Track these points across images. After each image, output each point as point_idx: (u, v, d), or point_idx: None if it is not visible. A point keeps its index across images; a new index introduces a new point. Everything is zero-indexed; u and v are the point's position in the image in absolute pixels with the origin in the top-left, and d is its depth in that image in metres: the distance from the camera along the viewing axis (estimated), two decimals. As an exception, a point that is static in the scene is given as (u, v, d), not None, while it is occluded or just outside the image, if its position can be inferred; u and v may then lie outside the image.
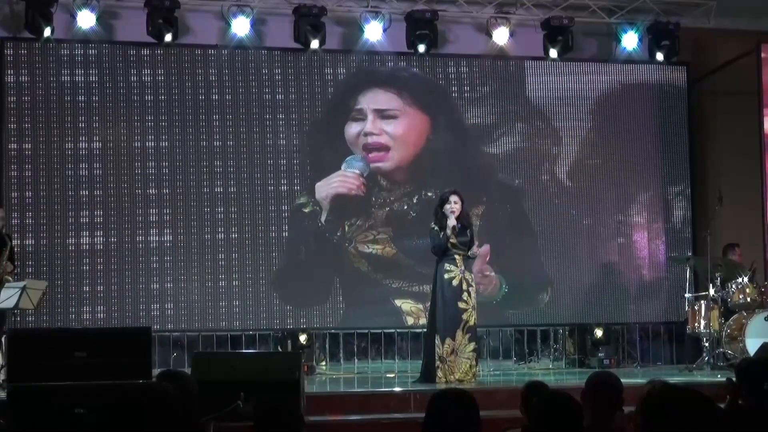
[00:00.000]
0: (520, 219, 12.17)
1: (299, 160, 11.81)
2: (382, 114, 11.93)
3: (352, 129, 11.85)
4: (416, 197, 11.87)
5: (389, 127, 11.94)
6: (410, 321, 11.78)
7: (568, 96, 12.46)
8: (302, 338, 11.09)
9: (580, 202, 12.41)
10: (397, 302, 11.81)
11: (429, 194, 11.76)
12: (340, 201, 11.73)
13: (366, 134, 11.83)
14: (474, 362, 9.37)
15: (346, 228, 11.75)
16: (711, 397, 3.39)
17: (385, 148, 11.89)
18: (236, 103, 11.72)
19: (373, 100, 11.93)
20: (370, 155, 11.83)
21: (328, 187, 11.74)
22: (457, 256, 9.35)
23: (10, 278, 9.43)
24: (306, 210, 11.72)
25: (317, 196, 11.70)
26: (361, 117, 11.88)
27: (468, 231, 9.45)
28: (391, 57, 12.12)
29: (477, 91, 12.30)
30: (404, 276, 11.79)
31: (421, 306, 11.68)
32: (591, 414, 4.54)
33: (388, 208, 11.86)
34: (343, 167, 11.77)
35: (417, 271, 11.60)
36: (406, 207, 11.88)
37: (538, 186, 12.34)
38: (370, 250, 11.79)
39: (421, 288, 11.59)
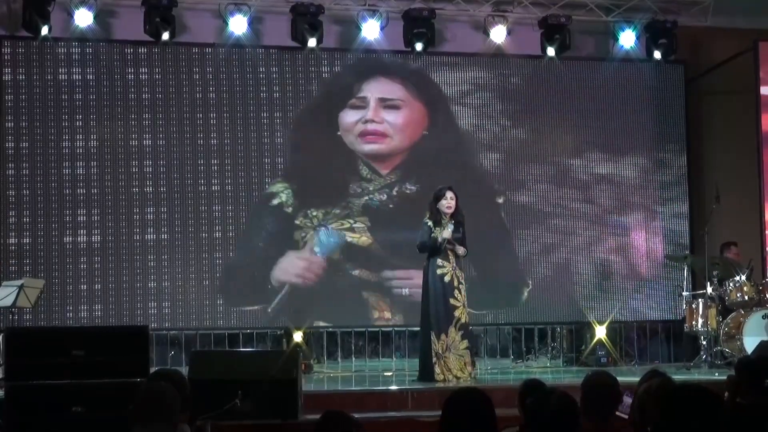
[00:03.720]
0: (497, 220, 12.13)
1: (284, 148, 11.74)
2: (386, 103, 11.93)
3: (350, 116, 11.84)
4: (396, 189, 11.84)
5: (390, 116, 11.93)
6: (375, 315, 11.72)
7: (565, 94, 12.46)
8: (297, 336, 11.06)
9: (577, 200, 12.39)
10: (365, 294, 11.73)
11: (411, 188, 11.79)
12: (288, 296, 11.50)
13: (366, 121, 11.82)
14: (468, 359, 9.34)
15: (321, 215, 11.68)
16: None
17: (383, 136, 11.88)
18: (233, 101, 11.71)
19: (377, 88, 11.93)
20: (366, 138, 11.81)
21: (286, 272, 11.55)
22: (450, 253, 9.33)
23: None
24: (274, 202, 11.63)
25: (273, 277, 11.49)
26: (362, 105, 11.87)
27: (461, 228, 9.42)
28: (388, 55, 12.09)
29: (473, 90, 12.25)
30: (375, 268, 11.73)
31: (388, 300, 11.70)
32: (590, 414, 4.54)
33: (366, 198, 11.80)
34: (314, 242, 11.63)
35: (390, 264, 11.64)
36: (385, 197, 11.83)
37: (536, 184, 12.32)
38: (346, 237, 11.74)
39: (390, 282, 11.67)
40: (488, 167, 12.24)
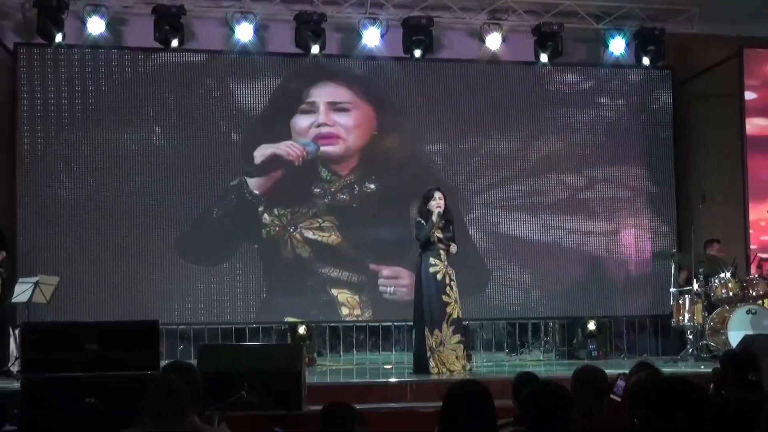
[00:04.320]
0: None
1: (243, 152, 11.69)
2: (335, 106, 11.88)
3: (302, 121, 11.78)
4: (357, 189, 11.84)
5: (341, 118, 11.89)
6: (345, 312, 11.71)
7: (558, 98, 12.47)
8: (301, 330, 11.07)
9: (569, 200, 12.40)
10: (334, 291, 11.72)
11: (371, 187, 11.78)
12: (273, 160, 11.62)
13: (319, 125, 11.77)
14: (461, 353, 9.34)
15: (289, 215, 11.67)
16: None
17: (336, 138, 11.84)
18: (239, 104, 11.72)
19: (325, 93, 11.86)
20: (320, 141, 11.77)
21: (271, 147, 11.64)
22: (442, 251, 9.35)
23: (2, 269, 9.41)
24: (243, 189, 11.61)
25: (255, 152, 11.59)
26: (312, 110, 11.80)
27: (451, 226, 9.46)
28: (388, 62, 12.08)
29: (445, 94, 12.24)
30: (344, 266, 11.71)
31: (357, 297, 11.70)
32: (580, 406, 4.54)
33: (329, 198, 11.77)
34: (299, 142, 11.74)
35: (358, 263, 11.64)
36: (347, 197, 11.81)
37: (526, 185, 12.33)
38: (316, 236, 11.71)
39: (359, 279, 11.68)
40: (467, 168, 12.24)
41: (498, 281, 12.16)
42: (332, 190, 11.79)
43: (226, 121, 11.70)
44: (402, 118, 12.11)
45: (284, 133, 11.73)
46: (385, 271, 11.73)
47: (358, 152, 11.91)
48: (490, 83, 12.32)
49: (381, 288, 11.72)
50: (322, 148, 11.77)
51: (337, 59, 12.01)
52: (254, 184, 11.61)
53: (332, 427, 4.36)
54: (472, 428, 3.99)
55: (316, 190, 11.75)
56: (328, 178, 11.81)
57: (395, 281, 11.67)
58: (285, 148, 11.67)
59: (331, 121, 11.83)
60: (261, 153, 11.62)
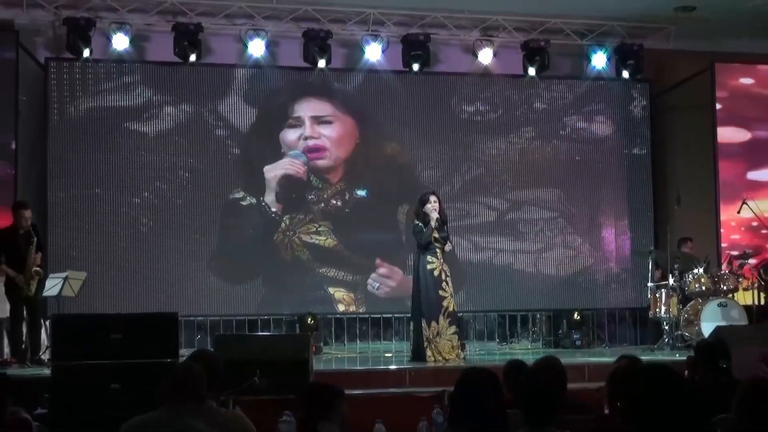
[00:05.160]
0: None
1: (237, 165, 11.64)
2: (319, 120, 11.84)
3: (290, 135, 11.73)
4: (347, 195, 11.82)
5: (326, 131, 11.84)
6: (341, 308, 11.70)
7: (547, 108, 12.47)
8: (308, 321, 11.06)
9: (558, 203, 12.39)
10: (331, 290, 11.71)
11: (360, 193, 11.76)
12: (286, 182, 11.60)
13: (306, 138, 11.72)
14: (456, 342, 9.34)
15: (287, 221, 11.64)
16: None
17: (323, 150, 11.80)
18: (252, 114, 11.72)
19: (308, 107, 11.81)
20: (309, 155, 11.73)
21: (276, 169, 11.59)
22: (438, 250, 9.36)
23: (40, 269, 9.42)
24: (244, 204, 11.57)
25: (266, 176, 11.54)
26: (298, 124, 11.75)
27: (445, 227, 9.47)
28: (388, 74, 12.07)
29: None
30: (339, 266, 11.68)
31: (352, 295, 11.68)
32: None
33: (322, 204, 11.73)
34: (288, 157, 11.69)
35: (353, 263, 11.62)
36: (340, 203, 11.78)
37: (513, 191, 12.32)
38: (313, 240, 11.69)
39: (354, 278, 11.66)
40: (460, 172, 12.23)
41: (501, 276, 12.17)
42: (325, 196, 11.76)
43: (226, 133, 11.67)
44: (385, 127, 12.07)
45: (275, 146, 11.68)
46: (382, 269, 11.72)
47: (344, 161, 11.88)
48: (478, 94, 12.31)
49: (369, 281, 11.70)
50: (311, 162, 11.73)
51: (311, 73, 11.85)
52: (276, 205, 11.60)
53: (312, 404, 4.40)
54: (482, 411, 3.97)
55: (310, 197, 11.73)
56: (320, 185, 11.78)
57: (385, 280, 11.66)
58: (291, 167, 11.63)
59: (317, 133, 11.79)
60: (273, 175, 11.56)
